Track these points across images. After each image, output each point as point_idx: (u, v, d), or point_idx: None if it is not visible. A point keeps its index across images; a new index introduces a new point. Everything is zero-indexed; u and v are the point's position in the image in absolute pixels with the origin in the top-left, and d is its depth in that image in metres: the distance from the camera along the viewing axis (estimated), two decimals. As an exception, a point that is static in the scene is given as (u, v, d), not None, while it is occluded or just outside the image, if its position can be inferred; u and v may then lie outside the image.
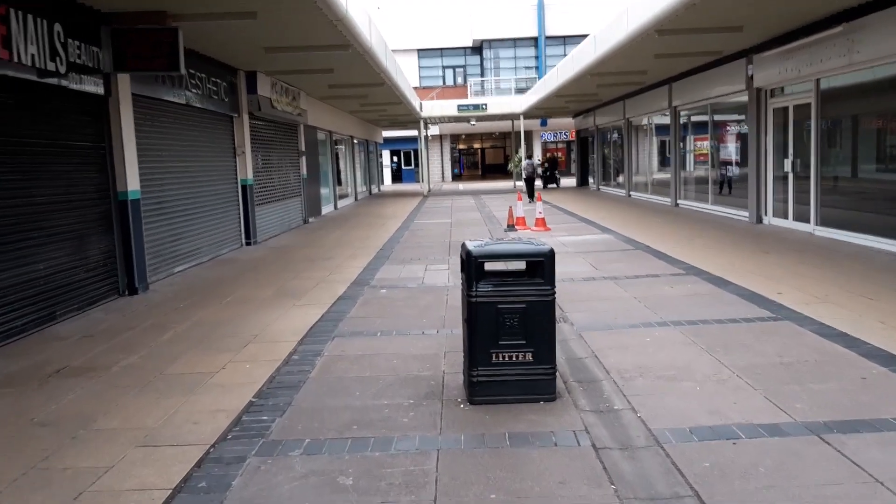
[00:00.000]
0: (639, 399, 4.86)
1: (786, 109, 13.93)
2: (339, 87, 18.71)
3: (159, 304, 8.83)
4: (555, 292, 4.87)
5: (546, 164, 35.51)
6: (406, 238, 15.42)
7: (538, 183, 33.06)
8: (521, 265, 5.01)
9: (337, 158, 27.19)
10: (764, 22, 12.02)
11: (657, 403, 4.76)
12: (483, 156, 63.93)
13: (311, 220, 21.00)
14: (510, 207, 16.40)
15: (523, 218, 16.54)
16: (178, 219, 11.55)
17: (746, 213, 15.57)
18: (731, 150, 17.00)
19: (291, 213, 18.88)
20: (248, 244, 14.86)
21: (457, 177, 54.65)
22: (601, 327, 6.89)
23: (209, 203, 13.05)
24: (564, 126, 49.30)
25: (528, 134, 46.03)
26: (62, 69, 8.14)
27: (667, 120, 21.79)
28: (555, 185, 34.38)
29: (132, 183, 9.57)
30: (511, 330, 4.84)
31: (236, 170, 14.65)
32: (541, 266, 4.85)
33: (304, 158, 20.38)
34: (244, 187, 14.77)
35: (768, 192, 14.73)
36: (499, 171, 59.70)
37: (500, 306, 4.83)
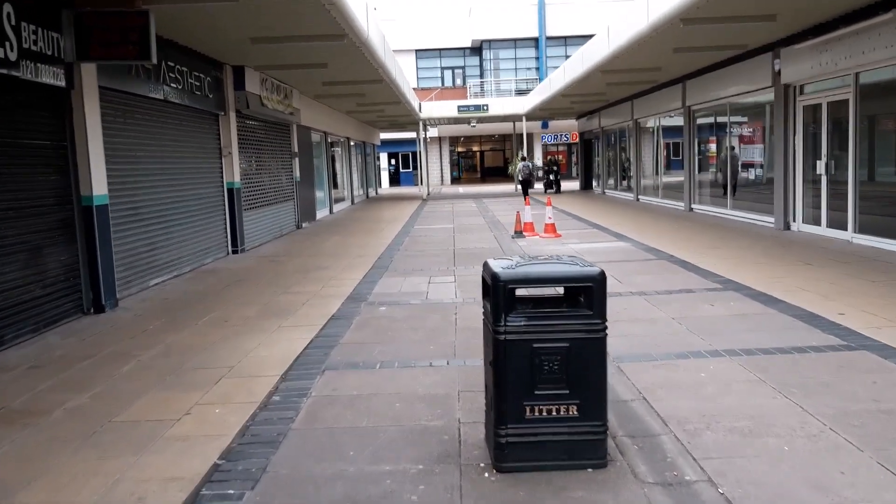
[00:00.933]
0: (714, 465, 3.77)
1: (817, 107, 12.87)
2: (335, 84, 17.62)
3: (127, 325, 7.73)
4: (606, 327, 3.79)
5: (547, 168, 33.76)
6: (406, 245, 14.33)
7: (538, 186, 32.38)
8: (557, 288, 3.93)
9: (333, 161, 26.11)
10: (799, 11, 10.97)
11: (740, 472, 3.67)
12: (482, 158, 62.96)
13: (305, 225, 19.90)
14: (518, 213, 15.33)
15: (532, 224, 15.46)
16: (154, 226, 10.45)
17: (771, 219, 14.50)
18: (752, 151, 15.93)
19: (284, 217, 17.79)
20: (234, 252, 13.76)
21: (456, 180, 53.60)
22: (642, 357, 5.80)
23: (191, 208, 11.96)
24: (565, 128, 48.36)
25: (529, 136, 44.98)
26: (12, 56, 7.04)
27: (677, 121, 20.75)
28: (554, 190, 32.29)
29: (98, 186, 8.47)
30: (550, 376, 3.75)
31: (222, 172, 13.55)
32: (588, 293, 3.76)
33: (297, 160, 19.29)
34: (231, 191, 13.68)
35: (797, 196, 13.67)
36: (498, 173, 58.69)
37: (535, 345, 3.74)
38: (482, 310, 4.64)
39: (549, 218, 15.02)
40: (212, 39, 11.32)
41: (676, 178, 21.84)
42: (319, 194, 23.24)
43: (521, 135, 43.29)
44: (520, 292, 3.86)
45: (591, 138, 33.53)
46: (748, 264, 10.14)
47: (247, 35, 11.04)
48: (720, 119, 17.81)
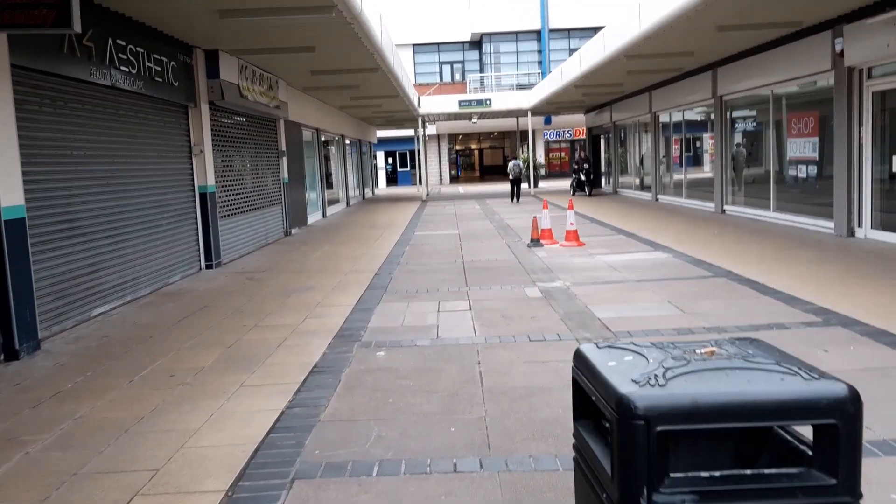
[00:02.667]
0: None
1: (890, 93, 10.94)
2: (325, 73, 15.65)
3: (36, 383, 5.76)
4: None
5: (577, 166, 27.58)
6: (408, 256, 12.38)
7: (559, 183, 30.46)
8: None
9: (326, 160, 24.13)
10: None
11: None
12: (481, 157, 61.03)
13: (294, 231, 17.94)
14: (534, 218, 13.37)
15: (550, 230, 13.50)
16: (99, 242, 8.48)
17: (830, 224, 12.56)
18: (802, 146, 13.97)
19: (270, 224, 15.81)
20: (208, 267, 11.78)
21: (454, 179, 51.61)
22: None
23: (151, 218, 9.99)
24: (568, 124, 46.49)
25: (529, 133, 43.04)
26: None
27: (701, 114, 18.82)
28: (586, 192, 26.87)
29: (8, 194, 6.50)
30: None
31: (193, 174, 11.58)
32: (826, 436, 1.81)
33: (284, 160, 17.31)
34: (204, 196, 11.71)
35: (864, 197, 11.72)
36: (498, 172, 56.77)
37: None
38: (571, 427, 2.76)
39: (571, 224, 13.06)
40: (172, 13, 9.34)
41: (698, 175, 19.92)
42: (311, 196, 21.27)
43: (527, 131, 41.43)
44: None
45: (601, 134, 31.58)
46: (832, 283, 8.20)
47: (213, 6, 9.07)
48: (758, 109, 15.87)
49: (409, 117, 30.76)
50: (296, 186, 18.68)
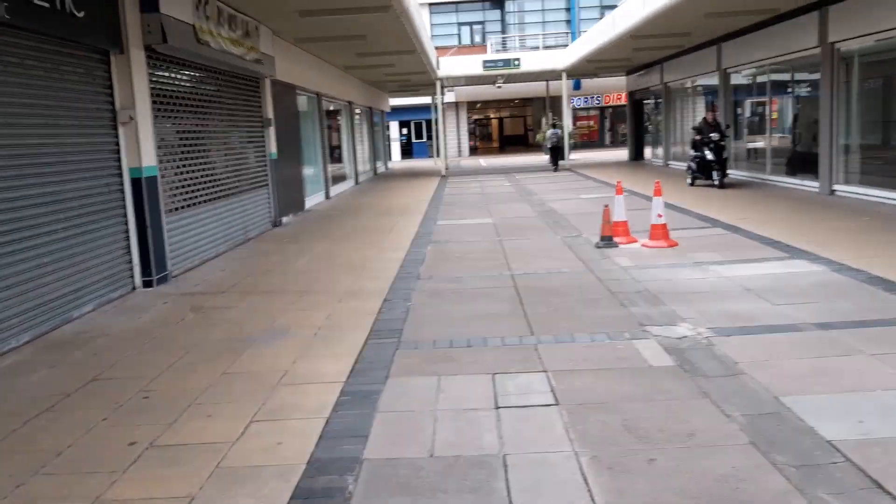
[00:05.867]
0: None
1: None
2: (318, 13, 11.88)
3: None
4: None
5: (715, 137, 15.51)
6: (430, 263, 8.78)
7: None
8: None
9: (329, 130, 20.45)
10: None
11: None
12: (501, 126, 57.03)
13: (286, 219, 14.35)
14: (605, 207, 9.66)
15: (626, 224, 9.80)
16: None
17: None
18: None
19: (250, 213, 12.21)
20: (146, 284, 8.21)
21: (473, 150, 47.72)
22: None
23: (35, 222, 6.41)
24: (597, 90, 42.36)
25: (556, 100, 39.10)
26: None
27: (786, 74, 14.96)
28: (717, 178, 15.77)
29: None
30: None
31: (119, 151, 7.97)
32: None
33: (272, 130, 13.67)
34: (137, 182, 8.10)
35: None
36: (519, 143, 52.87)
37: None
38: None
39: (659, 216, 9.34)
40: None
41: (776, 146, 16.12)
42: (311, 172, 17.64)
43: (557, 96, 37.51)
44: None
45: (645, 98, 27.63)
46: None
47: None
48: (890, 58, 12.03)
49: (426, 81, 26.93)
50: (288, 163, 15.04)
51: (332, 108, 21.46)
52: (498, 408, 4.18)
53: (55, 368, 5.40)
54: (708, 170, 15.85)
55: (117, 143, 7.93)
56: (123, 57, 7.94)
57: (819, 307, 5.99)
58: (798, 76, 15.37)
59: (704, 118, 16.38)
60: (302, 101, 17.12)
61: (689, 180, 16.76)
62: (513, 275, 7.97)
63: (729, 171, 16.51)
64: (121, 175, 7.98)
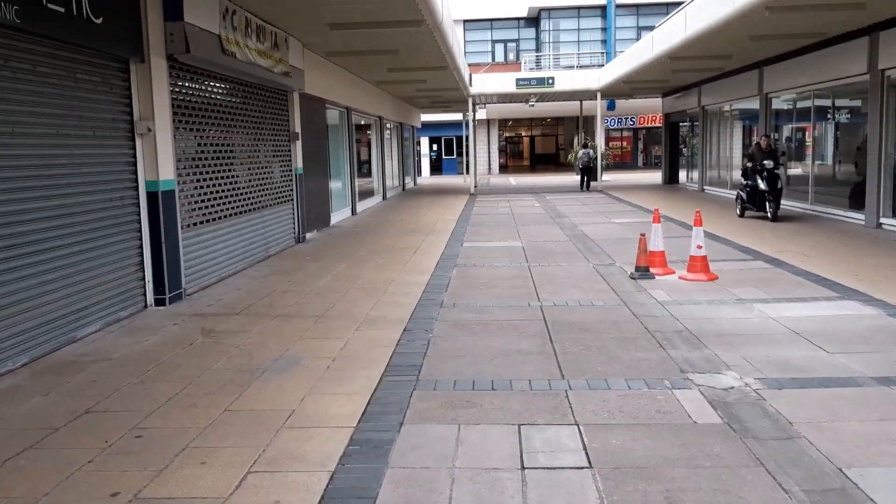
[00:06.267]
0: None
1: None
2: (349, 27, 11.58)
3: None
4: None
5: (769, 165, 14.22)
6: (455, 290, 8.35)
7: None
8: None
9: (357, 145, 20.17)
10: None
11: None
12: (532, 145, 56.61)
13: (310, 235, 14.03)
14: (642, 236, 9.16)
15: (664, 254, 9.29)
16: None
17: None
18: None
19: (273, 229, 11.90)
20: (159, 303, 7.88)
21: (503, 168, 47.29)
22: None
23: (43, 235, 6.10)
24: (631, 111, 41.80)
25: (589, 119, 38.60)
26: None
27: (820, 100, 14.35)
28: (770, 209, 14.27)
29: None
30: None
31: (135, 163, 7.67)
32: None
33: (298, 144, 13.38)
34: (154, 196, 7.79)
35: None
36: (549, 161, 52.43)
37: None
38: None
39: (699, 247, 8.82)
40: None
41: (824, 173, 15.47)
42: (337, 189, 17.34)
43: (591, 116, 37.09)
44: None
45: (681, 121, 27.05)
46: None
47: None
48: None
49: (458, 98, 26.61)
50: (315, 178, 14.75)
51: (362, 122, 21.21)
52: (524, 468, 3.73)
53: (49, 396, 5.04)
54: (760, 200, 14.48)
55: (134, 156, 7.63)
56: (144, 66, 7.65)
57: (879, 358, 5.45)
58: (843, 102, 14.75)
59: (758, 143, 15.00)
60: (331, 116, 16.86)
61: (738, 210, 15.44)
62: (542, 305, 7.52)
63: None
64: (137, 188, 7.68)
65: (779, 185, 14.34)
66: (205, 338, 6.55)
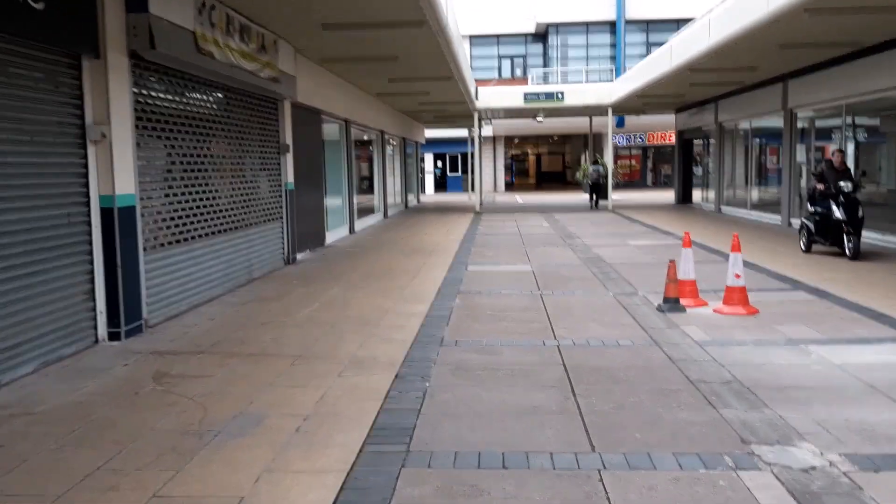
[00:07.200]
0: None
1: None
2: (343, 27, 10.53)
3: None
4: None
5: (845, 186, 11.36)
6: (457, 324, 7.23)
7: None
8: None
9: (357, 160, 19.13)
10: None
11: None
12: (539, 162, 55.69)
13: (300, 256, 12.94)
14: (671, 263, 8.04)
15: (694, 283, 8.16)
16: None
17: None
18: None
19: (257, 250, 10.81)
20: (114, 337, 6.77)
21: (509, 186, 46.26)
22: None
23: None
24: (640, 128, 40.77)
25: (598, 137, 37.57)
26: None
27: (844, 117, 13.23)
28: (846, 251, 11.28)
29: None
30: None
31: (87, 175, 6.59)
32: None
33: (289, 157, 12.32)
34: (109, 212, 6.71)
35: None
36: (556, 180, 51.48)
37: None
38: None
39: (737, 276, 7.69)
40: None
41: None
42: (333, 207, 16.28)
43: (599, 133, 36.12)
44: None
45: (695, 138, 26.00)
46: None
47: None
48: None
49: (463, 112, 25.62)
50: (308, 194, 13.69)
51: (364, 137, 20.20)
52: None
53: (-65, 469, 3.93)
54: (835, 232, 11.44)
55: (85, 166, 6.56)
56: (99, 63, 6.60)
57: None
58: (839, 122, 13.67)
59: (829, 161, 12.08)
60: (329, 128, 15.84)
61: (802, 244, 12.35)
62: (559, 345, 6.40)
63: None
64: (88, 204, 6.60)
65: (860, 214, 11.17)
66: (156, 384, 5.45)
